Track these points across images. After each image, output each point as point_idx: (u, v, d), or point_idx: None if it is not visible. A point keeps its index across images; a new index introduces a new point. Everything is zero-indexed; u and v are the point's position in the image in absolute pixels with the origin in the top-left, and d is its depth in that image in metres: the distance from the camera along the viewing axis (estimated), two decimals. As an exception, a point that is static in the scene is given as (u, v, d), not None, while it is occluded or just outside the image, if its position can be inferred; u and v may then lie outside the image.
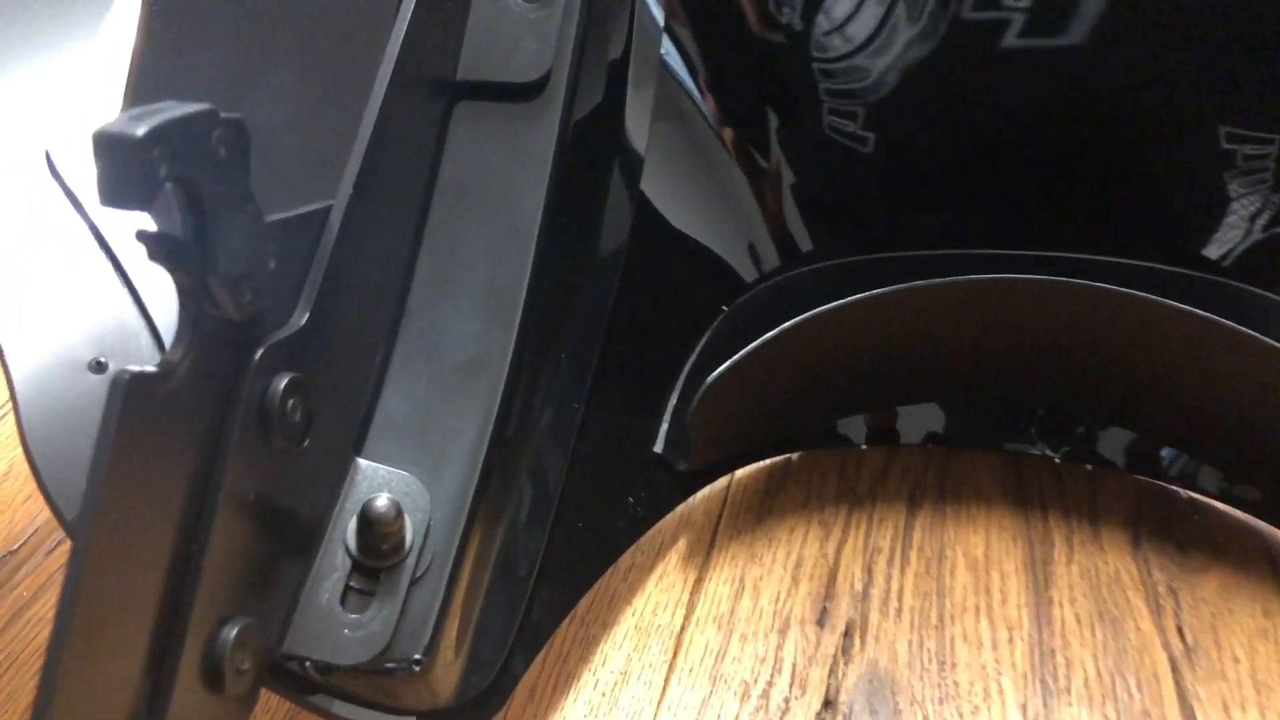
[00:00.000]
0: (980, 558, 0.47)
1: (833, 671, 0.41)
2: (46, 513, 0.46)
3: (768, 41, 0.46)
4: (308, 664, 0.31)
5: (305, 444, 0.30)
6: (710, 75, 0.47)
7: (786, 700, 0.40)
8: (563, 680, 0.42)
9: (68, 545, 0.49)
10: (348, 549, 0.31)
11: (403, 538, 0.32)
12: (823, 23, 0.44)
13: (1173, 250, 0.45)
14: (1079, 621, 0.43)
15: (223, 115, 0.24)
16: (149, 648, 0.25)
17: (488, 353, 0.35)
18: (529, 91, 0.37)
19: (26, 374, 0.30)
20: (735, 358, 0.43)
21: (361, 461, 0.33)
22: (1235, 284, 0.44)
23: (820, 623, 0.44)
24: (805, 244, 0.49)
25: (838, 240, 0.49)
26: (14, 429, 0.32)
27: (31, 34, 0.37)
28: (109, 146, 0.22)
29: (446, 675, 0.33)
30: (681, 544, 0.48)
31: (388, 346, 0.35)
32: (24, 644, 0.45)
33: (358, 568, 0.31)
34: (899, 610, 0.44)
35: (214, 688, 0.27)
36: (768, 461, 0.52)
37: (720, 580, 0.46)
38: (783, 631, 0.43)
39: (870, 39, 0.44)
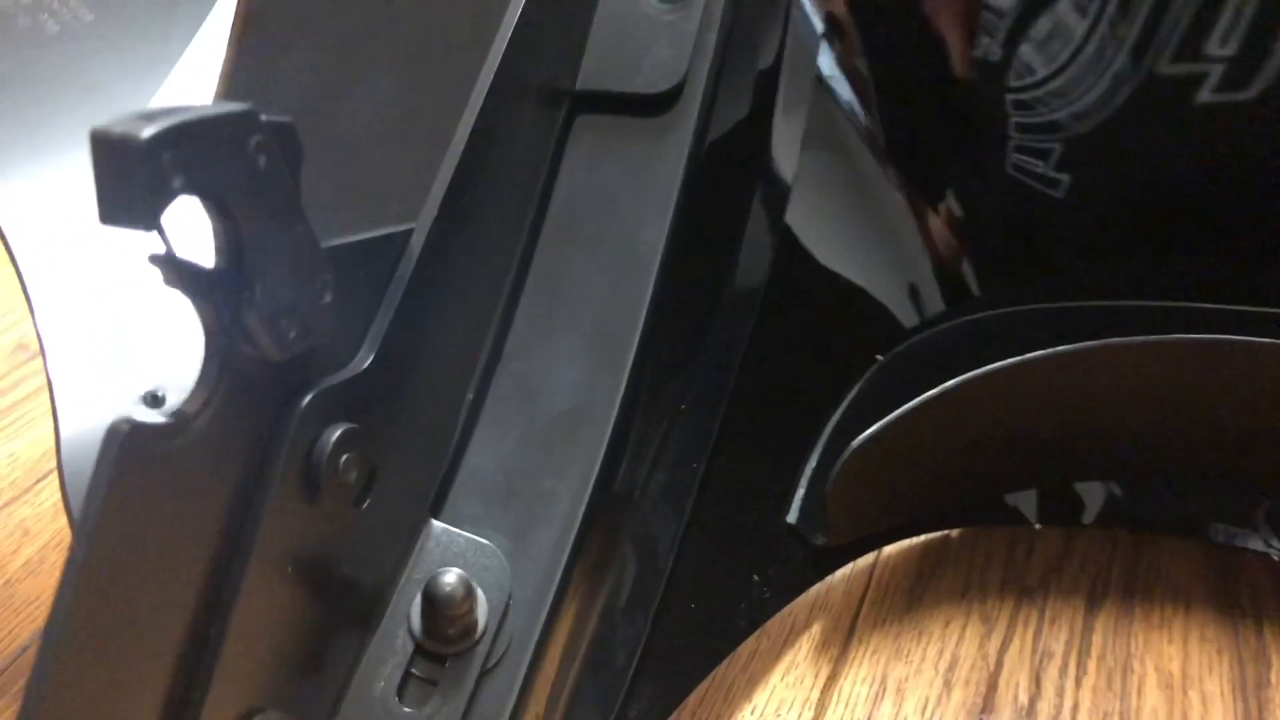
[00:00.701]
0: (1176, 674, 0.40)
1: (988, 804, 0.35)
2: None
3: (958, 67, 0.40)
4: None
5: (364, 506, 0.25)
6: (878, 96, 0.42)
7: (930, 836, 0.34)
8: (666, 790, 0.36)
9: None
10: (411, 630, 0.27)
11: (473, 620, 0.27)
12: (1026, 54, 0.39)
13: None
14: (1306, 770, 0.36)
15: (265, 118, 0.20)
16: None
17: (592, 402, 0.31)
18: (658, 104, 0.33)
19: (72, 404, 0.27)
20: (889, 417, 0.38)
21: (436, 525, 0.28)
22: None
23: (975, 740, 0.37)
24: (975, 288, 0.43)
25: (1013, 286, 0.43)
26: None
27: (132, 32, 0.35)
28: (108, 150, 0.18)
29: (519, 785, 0.28)
30: (815, 631, 0.42)
31: (479, 392, 0.31)
32: None
33: (421, 651, 0.27)
34: (1073, 733, 0.37)
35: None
36: (921, 538, 0.46)
37: (858, 679, 0.40)
38: (929, 747, 0.37)
39: (1070, 82, 0.38)
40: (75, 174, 0.33)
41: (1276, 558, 0.43)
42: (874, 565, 0.45)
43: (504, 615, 0.28)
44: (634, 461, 0.32)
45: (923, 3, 0.40)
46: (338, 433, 0.24)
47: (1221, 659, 0.40)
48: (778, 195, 0.39)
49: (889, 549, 0.45)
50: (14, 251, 0.30)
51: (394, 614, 0.27)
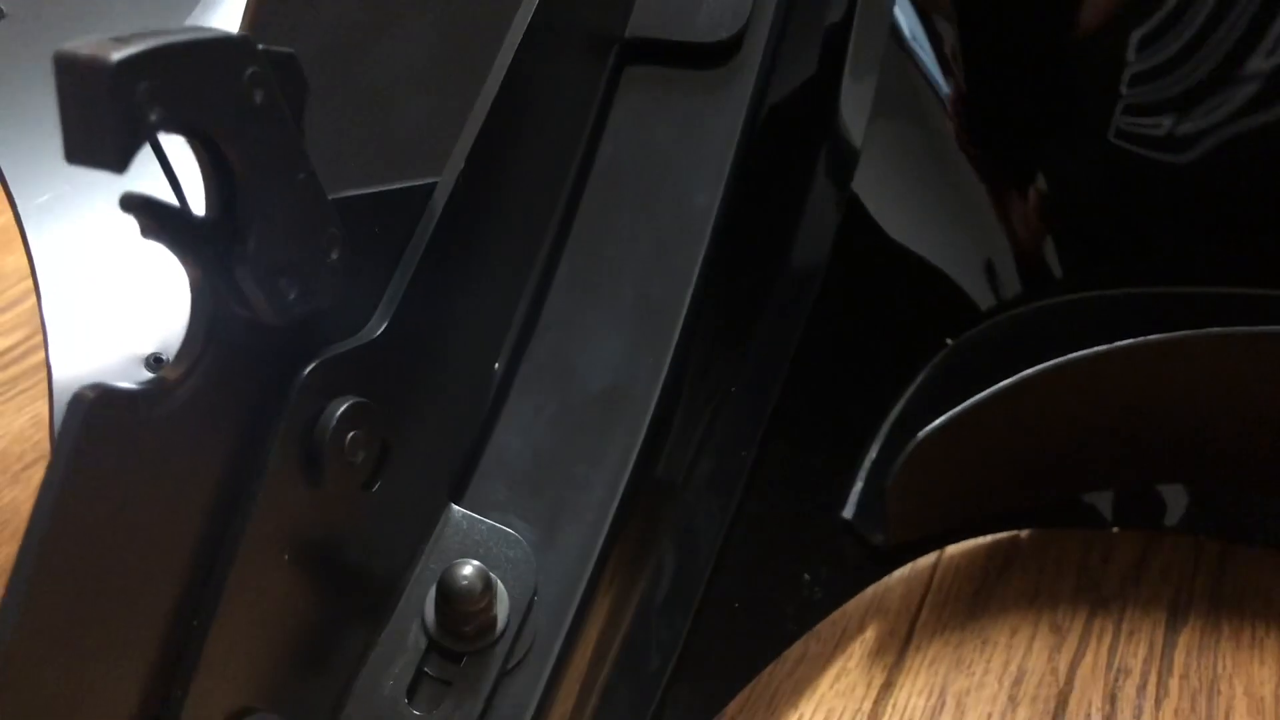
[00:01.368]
0: (1268, 699, 0.36)
1: (1056, 836, 0.32)
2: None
3: (1063, 27, 0.37)
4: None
5: (375, 487, 0.23)
6: (962, 53, 0.39)
7: None
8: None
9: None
10: (425, 625, 0.25)
11: (492, 617, 0.25)
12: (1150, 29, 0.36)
13: None
14: None
15: (261, 47, 0.18)
16: None
17: (633, 380, 0.28)
18: (716, 56, 0.31)
19: (68, 368, 0.25)
20: (959, 408, 0.36)
21: (456, 511, 0.26)
22: None
23: (1043, 763, 0.35)
24: (1056, 269, 0.40)
25: (1102, 267, 0.40)
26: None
27: None
28: (73, 74, 0.15)
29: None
30: (869, 635, 0.39)
31: (509, 365, 0.28)
32: None
33: (435, 648, 0.25)
34: (1152, 760, 0.35)
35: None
36: (988, 538, 0.43)
37: (915, 689, 0.37)
38: (991, 768, 0.34)
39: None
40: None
41: (1381, 575, 0.40)
42: (935, 566, 0.43)
43: (527, 612, 0.25)
44: (677, 447, 0.30)
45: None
46: (344, 407, 0.21)
47: (1319, 684, 0.37)
48: (845, 161, 0.36)
49: (952, 549, 0.43)
50: (18, 209, 0.28)
51: (406, 607, 0.25)
